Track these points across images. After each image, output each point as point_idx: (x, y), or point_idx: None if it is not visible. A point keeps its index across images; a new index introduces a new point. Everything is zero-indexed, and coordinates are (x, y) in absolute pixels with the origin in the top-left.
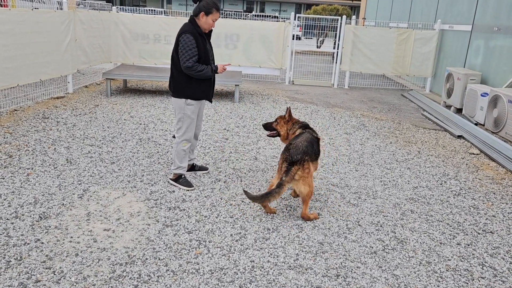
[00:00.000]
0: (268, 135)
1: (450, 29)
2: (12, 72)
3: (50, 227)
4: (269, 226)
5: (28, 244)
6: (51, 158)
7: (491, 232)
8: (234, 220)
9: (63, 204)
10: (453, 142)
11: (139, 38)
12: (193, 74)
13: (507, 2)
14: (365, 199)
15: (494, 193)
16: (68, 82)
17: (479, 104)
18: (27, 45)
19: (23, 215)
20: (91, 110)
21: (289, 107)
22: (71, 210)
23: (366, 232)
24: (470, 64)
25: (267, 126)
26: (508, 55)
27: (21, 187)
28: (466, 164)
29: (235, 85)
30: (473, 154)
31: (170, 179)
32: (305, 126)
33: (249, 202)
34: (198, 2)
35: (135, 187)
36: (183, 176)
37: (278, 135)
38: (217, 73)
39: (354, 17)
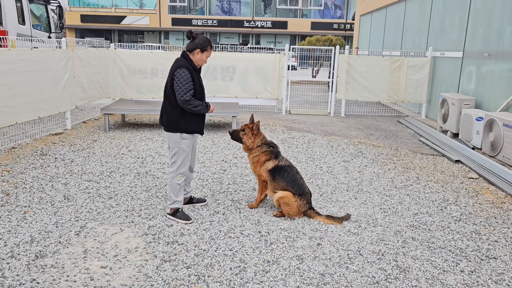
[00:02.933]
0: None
1: (442, 56)
2: (11, 110)
3: (46, 266)
4: (269, 258)
5: (23, 284)
6: (48, 195)
7: (494, 258)
8: (233, 253)
9: (59, 241)
10: (451, 167)
11: (137, 73)
12: (189, 108)
13: (495, 28)
14: (366, 227)
15: (495, 218)
16: (67, 118)
17: (475, 128)
18: (26, 84)
19: (19, 254)
20: (89, 146)
21: (258, 121)
22: (67, 247)
23: (368, 262)
24: (463, 90)
25: (234, 135)
26: (500, 80)
27: (17, 225)
28: (466, 189)
29: (232, 116)
30: (472, 178)
31: (167, 213)
32: (277, 153)
33: (248, 234)
34: (193, 39)
35: (132, 222)
36: (180, 210)
37: (242, 142)
38: (208, 111)
39: (347, 46)
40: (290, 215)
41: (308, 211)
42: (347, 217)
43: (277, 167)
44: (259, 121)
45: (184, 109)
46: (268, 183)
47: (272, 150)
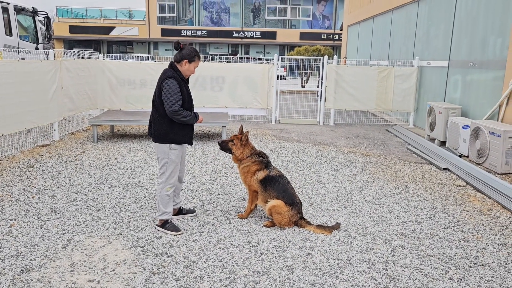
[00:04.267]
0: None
1: (428, 66)
2: None
3: (32, 280)
4: (259, 269)
5: None
6: (35, 208)
7: (482, 265)
8: (223, 264)
9: (46, 255)
10: (439, 175)
11: (126, 84)
12: (178, 119)
13: (479, 38)
14: (355, 236)
15: (482, 225)
16: (54, 130)
17: (462, 136)
18: (13, 95)
19: (4, 269)
20: (77, 157)
21: (247, 131)
22: (54, 261)
23: (358, 271)
24: (449, 98)
25: (223, 145)
26: (485, 88)
27: (3, 239)
28: (453, 197)
29: (222, 126)
30: (460, 186)
31: (156, 225)
32: (267, 163)
33: (238, 244)
34: (180, 50)
35: (121, 234)
36: (169, 221)
37: (231, 152)
38: (196, 122)
39: (335, 56)
40: (281, 225)
41: (299, 221)
42: (337, 226)
43: (268, 177)
44: (248, 132)
45: (172, 120)
46: (259, 193)
47: (262, 160)
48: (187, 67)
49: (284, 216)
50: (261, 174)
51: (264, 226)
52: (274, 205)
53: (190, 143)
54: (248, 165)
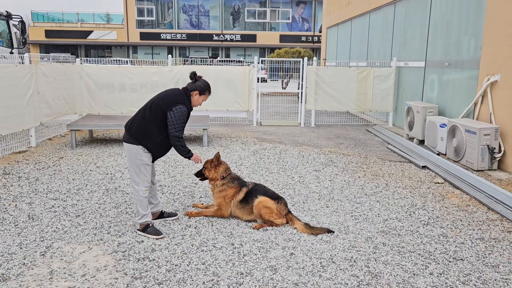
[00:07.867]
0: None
1: (406, 66)
2: None
3: None
4: (242, 270)
5: None
6: (11, 215)
7: (461, 259)
8: (206, 267)
9: (24, 263)
10: (418, 173)
11: (104, 88)
12: (176, 144)
13: (453, 39)
14: (337, 235)
15: (461, 220)
16: (31, 136)
17: (439, 134)
18: None
19: None
20: (55, 163)
21: (218, 152)
22: (32, 269)
23: (340, 269)
24: (427, 98)
25: (199, 174)
26: (460, 88)
27: None
28: (432, 194)
29: (203, 129)
30: (438, 183)
31: (137, 229)
32: (243, 181)
33: (221, 246)
34: (195, 80)
35: (101, 239)
36: (151, 225)
37: (207, 178)
38: (189, 158)
39: (315, 58)
40: (272, 220)
41: (289, 214)
42: (325, 230)
43: (248, 192)
44: (218, 152)
45: (161, 135)
46: (241, 210)
47: (239, 183)
48: (196, 98)
49: (272, 209)
50: (241, 195)
51: (253, 228)
52: (260, 201)
53: (156, 159)
54: (225, 189)
